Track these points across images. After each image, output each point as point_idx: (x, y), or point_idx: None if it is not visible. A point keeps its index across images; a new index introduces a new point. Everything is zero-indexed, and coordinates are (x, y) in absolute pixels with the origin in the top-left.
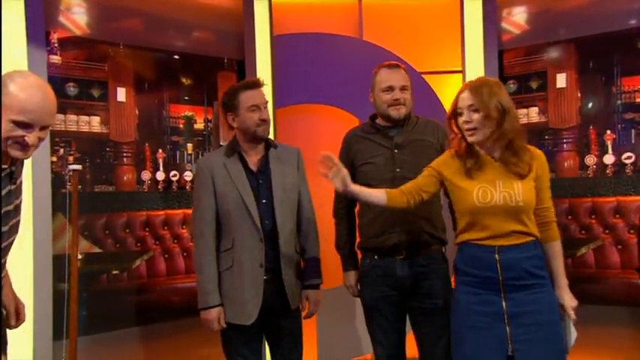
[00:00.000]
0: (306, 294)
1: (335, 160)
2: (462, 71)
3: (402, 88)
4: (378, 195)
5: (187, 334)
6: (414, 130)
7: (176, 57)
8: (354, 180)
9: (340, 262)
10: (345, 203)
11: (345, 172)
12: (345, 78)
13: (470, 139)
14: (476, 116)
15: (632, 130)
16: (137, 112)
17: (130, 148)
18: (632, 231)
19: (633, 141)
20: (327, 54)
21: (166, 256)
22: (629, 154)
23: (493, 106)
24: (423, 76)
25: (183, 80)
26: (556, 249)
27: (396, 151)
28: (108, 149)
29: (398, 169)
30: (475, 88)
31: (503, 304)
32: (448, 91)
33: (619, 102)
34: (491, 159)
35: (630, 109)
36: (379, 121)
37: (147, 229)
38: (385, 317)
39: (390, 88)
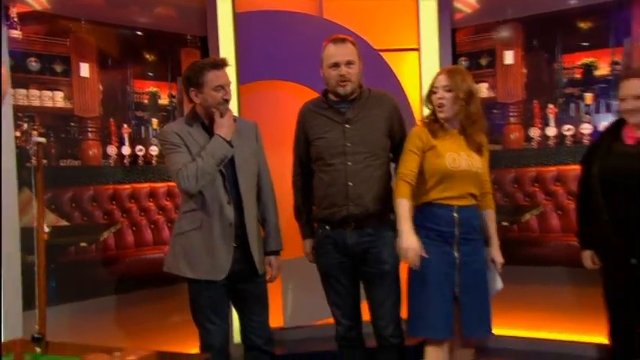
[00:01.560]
0: (269, 260)
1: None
2: (418, 49)
3: (348, 63)
4: (407, 207)
5: (157, 303)
6: (365, 104)
7: (139, 33)
8: (310, 153)
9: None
10: (301, 175)
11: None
12: (306, 55)
13: (440, 115)
14: (448, 95)
15: (572, 104)
16: (101, 87)
17: (94, 123)
18: (570, 197)
19: (572, 114)
20: (289, 31)
21: (134, 228)
22: (569, 126)
23: (463, 90)
24: (381, 53)
25: (147, 56)
26: (492, 215)
27: (347, 126)
28: (72, 124)
29: (349, 144)
30: (451, 72)
31: (456, 254)
32: (405, 68)
33: (560, 78)
34: (456, 132)
35: (570, 85)
36: (331, 95)
37: (114, 202)
38: (340, 282)
39: (336, 65)
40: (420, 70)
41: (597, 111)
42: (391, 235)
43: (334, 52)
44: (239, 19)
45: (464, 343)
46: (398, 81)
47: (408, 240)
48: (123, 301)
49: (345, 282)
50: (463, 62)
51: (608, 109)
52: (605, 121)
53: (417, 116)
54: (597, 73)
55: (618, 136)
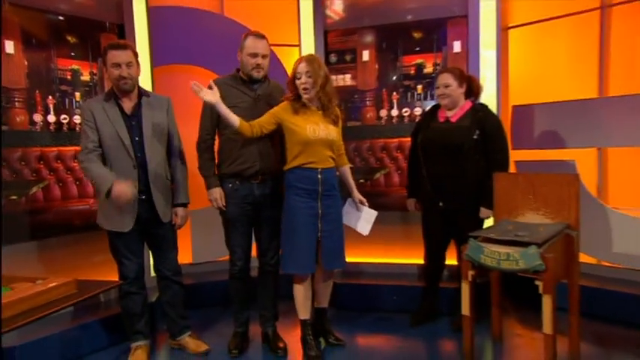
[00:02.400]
0: (175, 211)
1: (200, 85)
2: (299, 45)
3: (264, 56)
4: (234, 118)
5: (82, 245)
6: (267, 86)
7: (61, 18)
8: (220, 119)
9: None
10: (211, 136)
11: (216, 90)
12: (209, 45)
13: (305, 96)
14: (310, 80)
15: (409, 93)
16: (26, 63)
17: (20, 94)
18: (406, 161)
19: (409, 100)
20: (195, 25)
21: (61, 184)
22: (406, 109)
23: (321, 74)
24: (272, 47)
25: (69, 38)
26: (349, 170)
27: (257, 100)
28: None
29: (259, 115)
30: (309, 60)
31: (319, 207)
32: (289, 60)
33: (401, 73)
34: (315, 109)
35: (407, 79)
36: (242, 75)
37: (41, 162)
38: (244, 226)
39: (255, 55)
40: None
41: (425, 98)
42: (282, 188)
43: (255, 45)
44: (152, 11)
45: (325, 273)
46: (285, 70)
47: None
48: (51, 244)
49: (247, 226)
50: (333, 57)
51: (432, 97)
52: (429, 106)
53: None
54: (425, 70)
55: (435, 115)
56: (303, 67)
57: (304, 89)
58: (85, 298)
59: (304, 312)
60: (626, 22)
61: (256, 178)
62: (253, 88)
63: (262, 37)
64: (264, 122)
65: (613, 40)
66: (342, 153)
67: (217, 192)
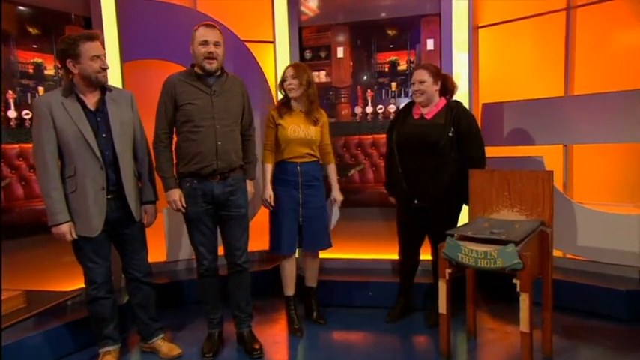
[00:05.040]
0: (145, 208)
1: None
2: (273, 42)
3: (216, 44)
4: (270, 169)
5: (48, 246)
6: (226, 81)
7: (22, 8)
8: (178, 117)
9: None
10: (168, 134)
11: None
12: (181, 40)
13: (291, 94)
14: (295, 82)
15: (383, 90)
16: None
17: None
18: (382, 158)
19: (383, 97)
20: (167, 19)
21: (23, 183)
22: (380, 106)
23: (305, 78)
24: (246, 43)
25: (31, 30)
26: (333, 168)
27: (214, 96)
28: None
29: (216, 111)
30: (295, 66)
31: (300, 196)
32: (264, 56)
33: (375, 70)
34: (299, 111)
35: (381, 76)
36: (197, 69)
37: (2, 160)
38: (206, 226)
39: (206, 43)
40: (275, 58)
41: (399, 95)
42: (245, 186)
43: (205, 33)
44: (121, 4)
45: (309, 255)
46: (259, 66)
47: (267, 193)
48: (14, 246)
49: (209, 225)
50: (308, 54)
51: (406, 94)
52: (403, 103)
53: (274, 95)
54: (399, 68)
55: (410, 112)
56: (290, 71)
57: (290, 89)
58: (32, 315)
59: (289, 289)
60: (591, 23)
61: (214, 177)
62: (209, 83)
63: (213, 26)
64: (272, 137)
65: (578, 40)
66: (329, 152)
67: (177, 193)
